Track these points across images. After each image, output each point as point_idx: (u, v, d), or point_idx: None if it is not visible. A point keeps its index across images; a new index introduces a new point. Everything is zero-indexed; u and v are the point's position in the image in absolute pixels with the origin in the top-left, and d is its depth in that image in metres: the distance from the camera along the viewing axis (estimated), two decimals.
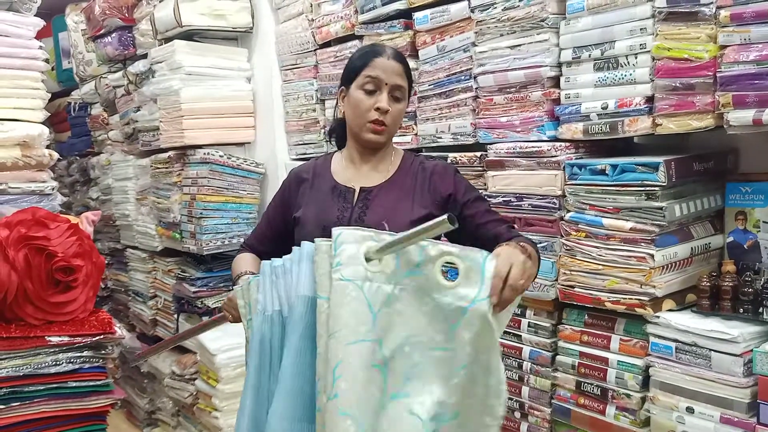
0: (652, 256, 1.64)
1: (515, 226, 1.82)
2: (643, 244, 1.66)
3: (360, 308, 1.26)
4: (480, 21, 2.01)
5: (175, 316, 3.32)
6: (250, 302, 1.49)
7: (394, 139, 2.34)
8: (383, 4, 2.35)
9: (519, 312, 2.01)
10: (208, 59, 3.02)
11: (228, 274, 2.94)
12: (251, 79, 3.14)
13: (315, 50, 2.77)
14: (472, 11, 2.03)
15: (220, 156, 2.96)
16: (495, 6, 1.95)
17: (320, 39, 2.72)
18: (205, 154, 2.95)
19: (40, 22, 2.35)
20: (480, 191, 1.70)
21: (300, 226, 1.61)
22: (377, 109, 1.54)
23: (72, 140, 4.58)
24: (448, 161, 2.14)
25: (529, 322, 1.97)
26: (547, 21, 1.83)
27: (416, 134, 2.32)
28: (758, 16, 1.44)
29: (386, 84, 1.54)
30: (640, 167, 1.65)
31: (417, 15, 2.23)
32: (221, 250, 3.02)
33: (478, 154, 2.06)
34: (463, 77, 2.11)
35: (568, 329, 1.87)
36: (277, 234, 1.69)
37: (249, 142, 3.17)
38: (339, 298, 1.27)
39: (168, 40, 3.09)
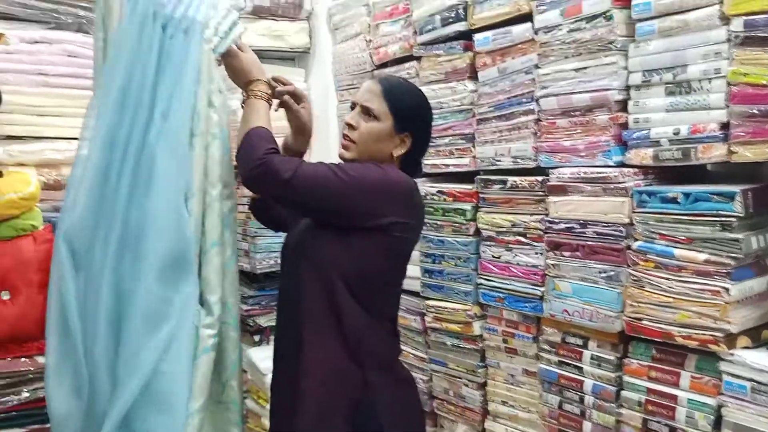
0: (728, 290, 1.56)
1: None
2: (717, 277, 1.58)
3: None
4: (544, 43, 1.96)
5: None
6: None
7: (451, 161, 2.35)
8: (443, 26, 2.33)
9: (581, 343, 1.94)
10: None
11: None
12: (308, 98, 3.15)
13: (372, 70, 2.76)
14: (536, 33, 1.99)
15: None
16: (560, 28, 1.91)
17: (378, 60, 2.71)
18: None
19: None
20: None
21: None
22: (345, 124, 1.61)
23: None
24: (508, 185, 2.10)
25: (592, 354, 1.90)
26: (615, 43, 1.78)
27: (474, 157, 2.28)
28: None
29: (357, 103, 1.61)
30: (715, 196, 1.58)
31: (478, 36, 2.19)
32: (274, 269, 3.02)
33: (540, 178, 2.01)
34: (524, 99, 2.07)
35: (635, 363, 1.79)
36: None
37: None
38: None
39: None
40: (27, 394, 2.16)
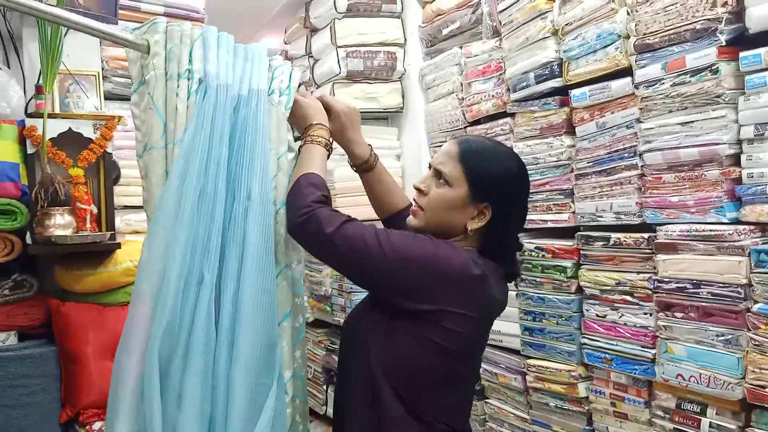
0: None
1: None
2: None
3: None
4: (645, 97, 1.92)
5: (324, 387, 3.37)
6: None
7: (549, 217, 2.31)
8: (537, 82, 2.33)
9: (698, 410, 1.83)
10: None
11: None
12: (400, 157, 3.21)
13: (465, 128, 2.79)
14: (636, 87, 1.95)
15: None
16: (662, 82, 1.86)
17: (471, 117, 2.74)
18: None
19: None
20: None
21: None
22: (414, 187, 1.44)
23: None
24: (611, 242, 2.04)
25: (710, 422, 1.78)
26: (723, 97, 1.72)
27: (573, 212, 2.24)
28: None
29: (432, 165, 1.42)
30: None
31: (574, 92, 2.18)
32: None
33: (646, 235, 1.94)
34: (626, 154, 2.02)
35: None
36: None
37: None
38: None
39: None
40: None
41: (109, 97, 2.60)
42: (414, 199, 1.44)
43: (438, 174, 1.39)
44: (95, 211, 2.29)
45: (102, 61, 2.57)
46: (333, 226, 1.31)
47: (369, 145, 1.66)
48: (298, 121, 1.53)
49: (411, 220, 1.44)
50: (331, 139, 1.50)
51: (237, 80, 1.43)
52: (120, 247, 2.31)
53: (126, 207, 2.59)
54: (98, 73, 2.49)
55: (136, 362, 1.33)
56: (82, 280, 2.29)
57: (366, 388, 1.36)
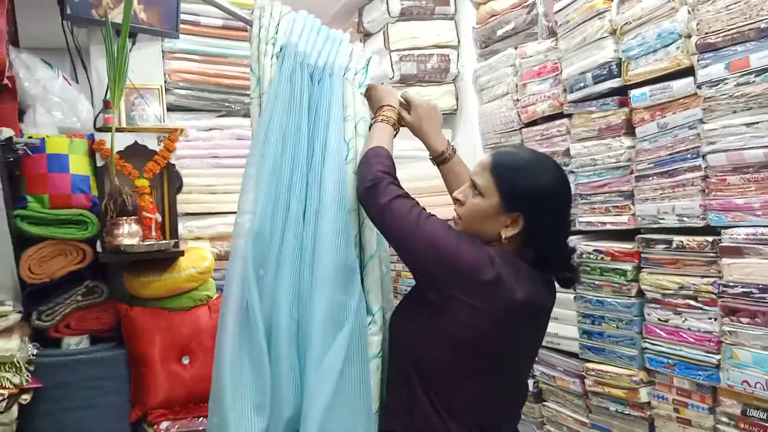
0: None
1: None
2: None
3: None
4: (708, 97, 1.88)
5: None
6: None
7: (607, 219, 2.27)
8: (595, 83, 2.29)
9: (765, 417, 1.78)
10: (412, 142, 3.14)
11: None
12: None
13: (520, 129, 2.77)
14: (699, 87, 1.91)
15: None
16: (726, 82, 1.82)
17: (526, 118, 2.72)
18: None
19: None
20: None
21: None
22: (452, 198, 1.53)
23: None
24: (674, 245, 2.00)
25: None
26: None
27: (633, 214, 2.20)
28: None
29: (470, 177, 1.48)
30: None
31: (634, 92, 2.14)
32: None
33: (710, 238, 1.89)
34: (689, 155, 1.98)
35: None
36: None
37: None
38: None
39: None
40: None
41: (171, 108, 2.69)
42: (455, 208, 1.50)
43: (474, 185, 1.45)
44: (160, 219, 2.37)
45: (165, 75, 2.65)
46: (387, 197, 1.45)
47: (447, 140, 1.78)
48: (372, 103, 1.74)
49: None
50: (399, 120, 1.69)
51: (316, 53, 1.72)
52: (183, 255, 2.39)
53: (188, 214, 2.66)
54: (161, 86, 2.57)
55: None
56: (149, 286, 2.38)
57: (403, 382, 1.45)
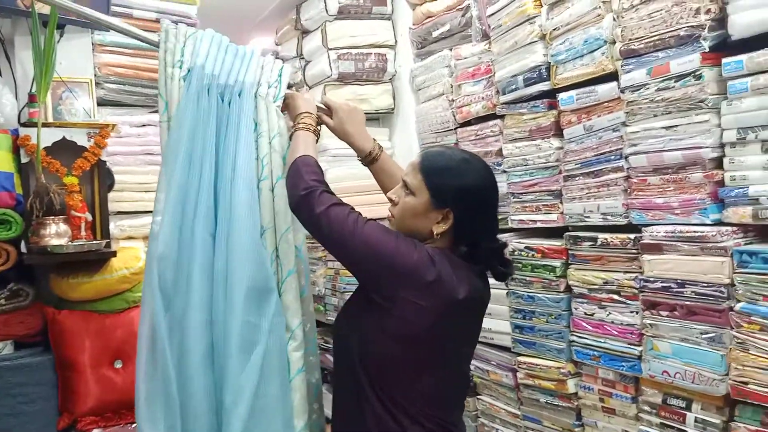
0: None
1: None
2: None
3: None
4: (631, 101, 1.96)
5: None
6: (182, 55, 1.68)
7: (538, 217, 2.35)
8: (526, 86, 2.36)
9: (684, 405, 1.88)
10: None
11: None
12: (392, 157, 3.23)
13: (455, 129, 2.82)
14: (622, 92, 1.99)
15: None
16: (647, 87, 1.91)
17: (461, 118, 2.77)
18: None
19: None
20: None
21: None
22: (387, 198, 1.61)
23: None
24: (599, 242, 2.09)
25: (696, 417, 1.84)
26: (706, 102, 1.76)
27: (561, 213, 2.28)
28: None
29: (401, 177, 1.56)
30: None
31: (562, 96, 2.22)
32: None
33: (632, 236, 1.99)
34: (612, 157, 2.07)
35: (742, 428, 1.72)
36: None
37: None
38: None
39: None
40: None
41: (102, 103, 2.62)
42: (389, 208, 1.57)
43: (405, 185, 1.52)
44: (90, 218, 2.31)
45: (95, 68, 2.58)
46: (322, 206, 1.47)
47: (374, 139, 1.82)
48: (291, 112, 1.76)
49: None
50: (319, 126, 1.74)
51: (225, 72, 1.71)
52: (115, 255, 2.33)
53: (120, 213, 2.60)
54: (91, 80, 2.50)
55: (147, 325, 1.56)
56: (78, 288, 2.31)
57: (352, 383, 1.47)
